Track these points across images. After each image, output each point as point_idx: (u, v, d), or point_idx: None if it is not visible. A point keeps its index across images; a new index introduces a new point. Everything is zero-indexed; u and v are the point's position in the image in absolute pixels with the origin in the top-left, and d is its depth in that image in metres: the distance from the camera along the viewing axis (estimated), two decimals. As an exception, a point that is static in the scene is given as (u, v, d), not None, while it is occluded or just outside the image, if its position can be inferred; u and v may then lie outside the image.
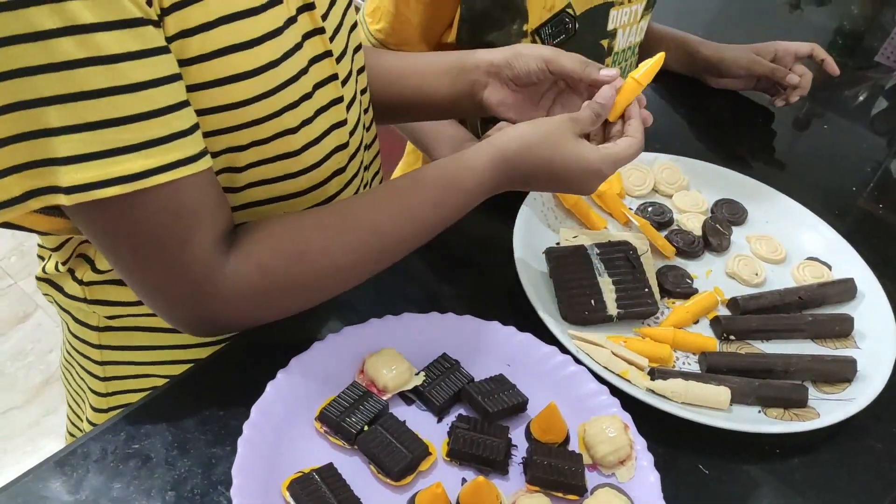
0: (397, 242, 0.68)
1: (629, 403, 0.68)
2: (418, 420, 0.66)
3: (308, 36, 0.65)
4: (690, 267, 0.88)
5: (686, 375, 0.73)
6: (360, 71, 0.77)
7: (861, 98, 1.36)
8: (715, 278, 0.88)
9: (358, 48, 0.76)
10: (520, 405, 0.67)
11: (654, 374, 0.73)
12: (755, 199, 0.97)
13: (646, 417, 0.68)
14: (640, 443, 0.65)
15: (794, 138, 1.22)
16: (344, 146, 0.72)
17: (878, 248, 0.94)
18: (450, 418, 0.67)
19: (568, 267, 0.81)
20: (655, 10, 1.13)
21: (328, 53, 0.68)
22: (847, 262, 0.89)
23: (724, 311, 0.84)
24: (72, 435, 0.96)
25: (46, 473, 0.61)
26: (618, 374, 0.72)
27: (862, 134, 1.26)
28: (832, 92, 1.31)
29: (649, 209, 0.93)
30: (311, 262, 0.64)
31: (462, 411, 0.67)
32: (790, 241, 0.93)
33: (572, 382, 0.70)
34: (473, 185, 0.70)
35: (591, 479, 0.64)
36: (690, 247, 0.89)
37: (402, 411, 0.66)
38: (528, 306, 0.75)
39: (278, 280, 0.63)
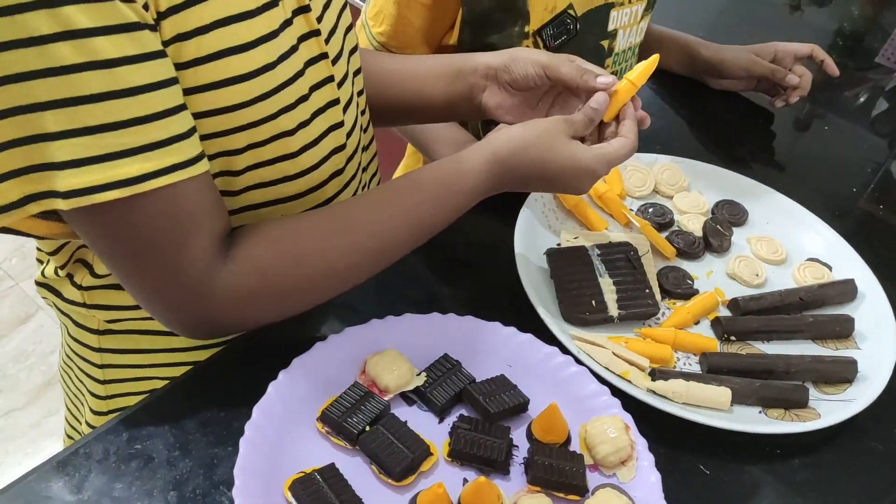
0: (394, 244, 0.68)
1: (630, 404, 0.68)
2: (419, 420, 0.66)
3: (303, 38, 0.65)
4: (691, 268, 0.88)
5: (687, 376, 0.73)
6: (357, 73, 0.77)
7: (861, 99, 1.36)
8: (715, 279, 0.88)
9: (354, 50, 0.76)
10: (521, 406, 0.67)
11: (654, 374, 0.73)
12: (756, 200, 0.97)
13: (647, 418, 0.68)
14: (642, 443, 0.66)
15: (795, 139, 1.22)
16: (341, 148, 0.72)
17: (878, 249, 0.94)
18: (451, 419, 0.67)
19: (569, 268, 0.81)
20: (656, 11, 1.13)
21: (324, 55, 0.68)
22: (847, 263, 0.90)
23: (724, 312, 0.84)
24: (70, 437, 0.96)
25: (49, 473, 0.61)
26: (619, 375, 0.72)
27: (862, 135, 1.26)
28: (832, 93, 1.31)
29: (650, 210, 0.94)
30: (308, 264, 0.64)
31: (463, 412, 0.68)
32: (791, 242, 0.93)
33: (573, 383, 0.70)
34: (469, 187, 0.70)
35: (593, 479, 0.64)
36: (691, 248, 0.89)
37: (403, 412, 0.67)
38: (529, 307, 0.75)
39: (275, 283, 0.63)
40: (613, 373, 0.72)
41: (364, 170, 0.80)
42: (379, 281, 0.70)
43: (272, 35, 0.61)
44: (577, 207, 0.91)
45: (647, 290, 0.80)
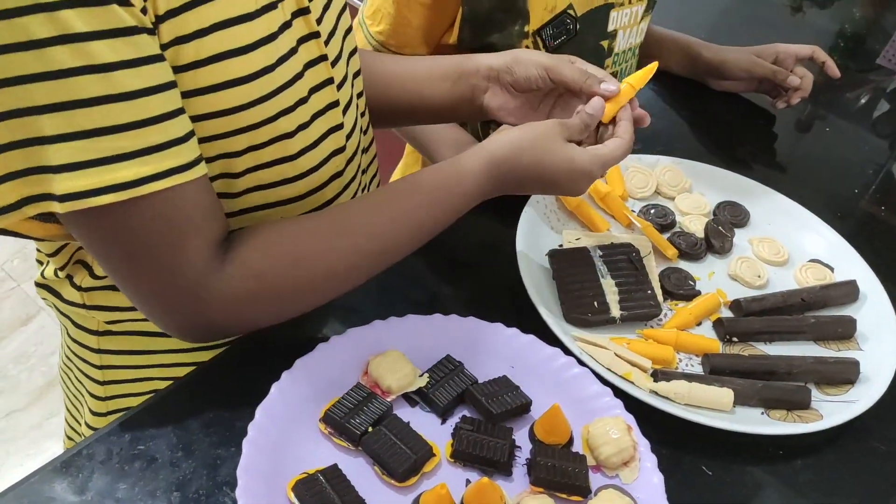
0: (394, 246, 0.68)
1: (632, 405, 0.68)
2: (422, 421, 0.66)
3: (303, 40, 0.65)
4: (693, 269, 0.88)
5: (689, 377, 0.73)
6: (357, 75, 0.77)
7: (863, 101, 1.36)
8: (717, 280, 0.88)
9: (353, 52, 0.76)
10: (523, 406, 0.67)
11: (657, 375, 0.73)
12: (757, 201, 0.97)
13: (649, 419, 0.68)
14: (644, 444, 0.66)
15: (796, 140, 1.22)
16: (341, 150, 0.72)
17: (880, 250, 0.94)
18: (453, 420, 0.67)
19: (571, 269, 0.81)
20: (658, 13, 1.13)
21: (323, 57, 0.68)
22: (849, 264, 0.90)
23: (726, 313, 0.84)
24: (70, 439, 0.96)
25: (52, 474, 0.61)
26: (621, 376, 0.72)
27: (864, 136, 1.26)
28: (834, 94, 1.31)
29: (652, 211, 0.94)
30: (306, 266, 0.64)
31: (466, 413, 0.68)
32: (792, 244, 0.93)
33: (575, 384, 0.70)
34: (467, 190, 0.70)
35: (595, 480, 0.64)
36: (693, 249, 0.89)
37: (405, 413, 0.67)
38: (531, 308, 0.76)
39: (273, 285, 0.63)
40: (616, 374, 0.72)
41: (364, 172, 0.80)
42: (381, 282, 0.70)
43: (271, 37, 0.61)
44: (580, 208, 0.91)
45: (649, 292, 0.80)
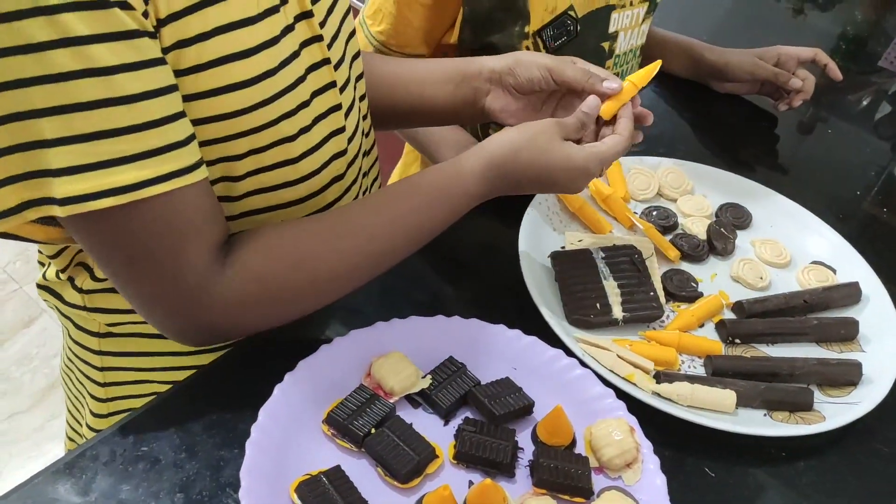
0: (395, 247, 0.69)
1: (635, 406, 0.68)
2: (425, 423, 0.66)
3: (306, 44, 0.65)
4: (695, 271, 0.88)
5: (692, 379, 0.73)
6: (359, 78, 0.77)
7: (865, 103, 1.36)
8: (720, 282, 0.88)
9: (357, 55, 0.76)
10: (526, 408, 0.67)
11: (659, 377, 0.73)
12: (760, 202, 0.97)
13: (652, 420, 0.68)
14: (647, 446, 0.66)
15: (799, 142, 1.22)
16: (342, 153, 0.73)
17: (882, 251, 0.94)
18: (456, 421, 0.67)
19: (573, 270, 0.81)
20: (660, 15, 1.13)
21: (326, 61, 0.68)
22: (852, 265, 0.90)
23: (729, 315, 0.84)
24: (71, 440, 0.96)
25: (56, 475, 0.61)
26: (623, 378, 0.72)
27: (865, 138, 1.26)
28: (836, 96, 1.31)
29: (654, 213, 0.94)
30: (307, 268, 0.64)
31: (468, 414, 0.68)
32: (795, 245, 0.93)
33: (578, 385, 0.70)
34: (466, 191, 0.70)
35: (598, 481, 0.64)
36: (695, 251, 0.89)
37: (408, 414, 0.67)
38: (533, 310, 0.76)
39: (274, 287, 0.63)
40: (618, 375, 0.72)
41: (365, 175, 0.80)
42: (383, 283, 0.70)
43: (273, 41, 0.61)
44: (582, 210, 0.91)
45: (652, 293, 0.80)
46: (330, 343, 0.69)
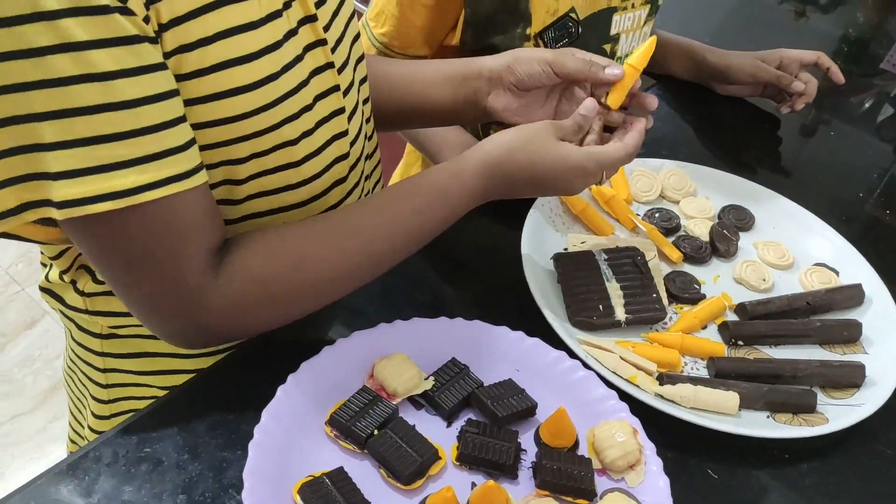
0: (394, 248, 0.69)
1: (638, 408, 0.68)
2: (428, 424, 0.66)
3: (309, 48, 0.66)
4: (698, 272, 0.88)
5: (694, 380, 0.73)
6: (363, 81, 0.77)
7: (867, 105, 1.36)
8: (723, 284, 0.88)
9: (361, 58, 0.76)
10: (529, 410, 0.67)
11: (662, 379, 0.73)
12: (762, 204, 0.97)
13: (654, 422, 0.68)
14: (650, 447, 0.66)
15: (801, 145, 1.22)
16: (345, 157, 0.73)
17: (885, 253, 0.94)
18: (459, 423, 0.67)
19: (576, 272, 0.81)
20: (662, 17, 1.13)
21: (330, 65, 0.68)
22: (854, 267, 0.90)
23: (732, 317, 0.84)
24: (73, 442, 0.96)
25: (58, 477, 0.61)
26: (626, 379, 0.72)
27: (868, 140, 1.26)
28: (838, 99, 1.31)
29: (656, 215, 0.94)
30: (307, 270, 0.64)
31: (471, 416, 0.68)
32: (797, 247, 0.93)
33: (581, 387, 0.70)
34: (464, 193, 0.70)
35: (601, 483, 0.64)
36: (698, 252, 0.89)
37: (411, 416, 0.67)
38: (536, 311, 0.76)
39: (274, 289, 0.63)
40: (621, 377, 0.72)
41: (367, 178, 0.80)
42: (386, 285, 0.70)
43: (276, 45, 0.61)
44: (585, 212, 0.91)
45: (654, 295, 0.80)
46: (332, 344, 0.69)
